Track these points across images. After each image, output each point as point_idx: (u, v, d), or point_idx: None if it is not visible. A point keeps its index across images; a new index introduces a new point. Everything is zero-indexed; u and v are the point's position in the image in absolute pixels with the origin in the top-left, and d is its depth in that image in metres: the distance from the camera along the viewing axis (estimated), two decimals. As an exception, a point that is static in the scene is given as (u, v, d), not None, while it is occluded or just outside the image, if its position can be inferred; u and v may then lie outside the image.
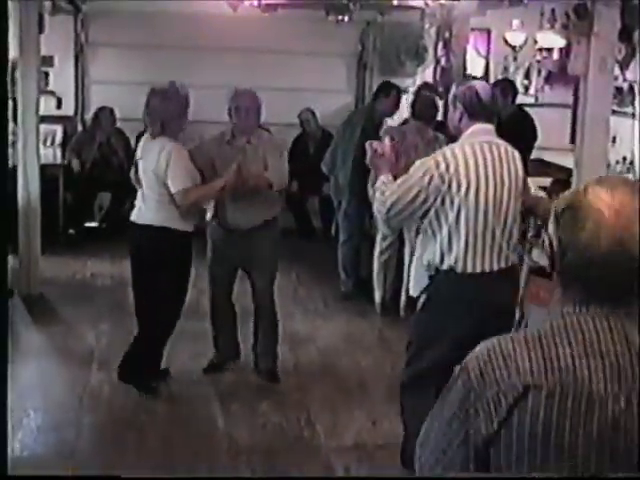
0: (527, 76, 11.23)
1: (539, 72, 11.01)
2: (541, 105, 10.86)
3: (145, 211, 6.37)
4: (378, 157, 5.03)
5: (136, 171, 6.41)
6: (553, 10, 9.88)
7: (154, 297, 6.40)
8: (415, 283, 5.25)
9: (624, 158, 9.13)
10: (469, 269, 4.82)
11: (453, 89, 5.12)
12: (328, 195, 9.66)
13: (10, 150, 8.79)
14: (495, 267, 4.87)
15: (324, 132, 10.95)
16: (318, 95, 11.02)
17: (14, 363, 6.96)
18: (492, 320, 4.62)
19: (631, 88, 9.26)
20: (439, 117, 9.61)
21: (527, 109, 9.53)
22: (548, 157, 9.80)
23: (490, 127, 5.01)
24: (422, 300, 5.05)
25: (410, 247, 6.99)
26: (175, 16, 10.84)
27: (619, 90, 8.94)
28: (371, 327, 8.25)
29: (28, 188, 8.68)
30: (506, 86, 9.27)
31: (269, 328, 6.98)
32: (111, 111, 10.93)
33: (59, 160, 10.89)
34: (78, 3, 11.06)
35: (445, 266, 4.85)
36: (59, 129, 11.18)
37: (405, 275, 8.52)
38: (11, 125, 8.99)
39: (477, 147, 4.85)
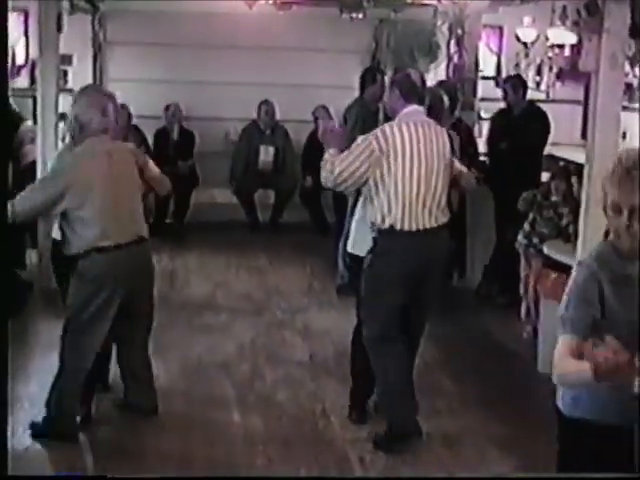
0: (539, 72, 11.30)
1: (550, 68, 11.08)
2: (552, 101, 10.94)
3: None
4: (329, 133, 5.83)
5: None
6: (564, 7, 9.95)
7: None
8: (354, 242, 6.12)
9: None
10: (406, 228, 5.62)
11: (389, 75, 5.81)
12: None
13: (29, 146, 8.93)
14: (427, 225, 5.68)
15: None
16: (332, 92, 11.08)
17: (35, 356, 7.09)
18: (425, 268, 5.73)
19: (641, 84, 9.35)
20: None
21: (539, 105, 9.60)
22: (560, 152, 9.86)
23: (421, 108, 5.84)
24: (368, 260, 5.75)
25: None
26: (191, 14, 10.94)
27: (629, 86, 9.02)
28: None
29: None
30: (516, 82, 9.34)
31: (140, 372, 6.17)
32: (127, 109, 11.01)
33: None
34: (96, 2, 11.16)
35: (386, 225, 5.63)
36: (77, 126, 11.26)
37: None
38: (30, 122, 9.14)
39: (411, 125, 5.65)
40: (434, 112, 8.35)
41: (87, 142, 5.56)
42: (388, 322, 5.77)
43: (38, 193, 5.54)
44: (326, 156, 5.71)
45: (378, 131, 5.64)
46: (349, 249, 6.23)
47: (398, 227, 5.62)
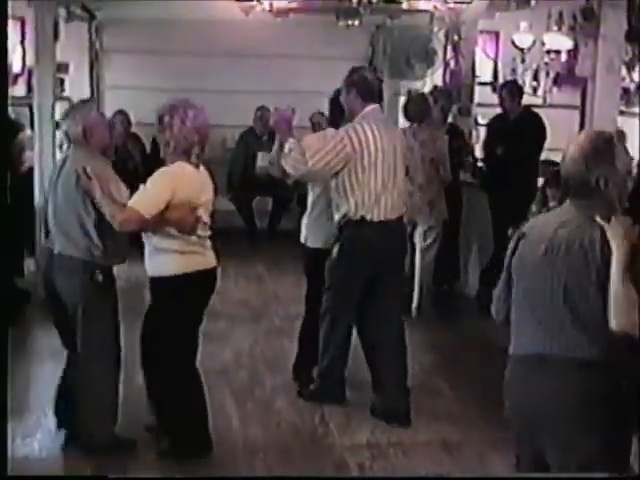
0: (535, 78, 11.29)
1: (547, 74, 11.06)
2: (549, 106, 10.94)
3: None
4: (281, 122, 6.24)
5: None
6: (560, 12, 9.93)
7: None
8: (309, 235, 6.57)
9: (631, 158, 9.16)
10: (376, 218, 6.10)
11: (346, 77, 6.23)
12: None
13: (28, 153, 8.94)
14: (393, 215, 6.19)
15: (335, 135, 11.04)
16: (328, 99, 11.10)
17: (32, 364, 7.09)
18: (391, 253, 6.27)
19: (638, 88, 9.34)
20: (450, 120, 9.73)
21: (535, 110, 9.60)
22: (557, 158, 9.86)
23: (379, 107, 6.26)
24: (336, 249, 6.19)
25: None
26: (188, 22, 10.94)
27: (626, 91, 9.02)
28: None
29: (45, 192, 8.77)
30: (512, 88, 9.35)
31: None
32: (126, 115, 11.02)
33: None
34: (92, 10, 11.17)
35: (358, 216, 6.07)
36: (74, 134, 11.26)
37: (417, 279, 8.63)
38: (28, 131, 9.14)
39: (374, 124, 6.08)
40: (418, 115, 8.50)
41: None
42: (351, 305, 6.32)
43: None
44: (290, 145, 6.09)
45: (350, 130, 6.06)
46: (308, 244, 6.61)
47: (369, 218, 6.09)
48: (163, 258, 5.40)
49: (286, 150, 6.11)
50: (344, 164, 6.01)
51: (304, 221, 6.67)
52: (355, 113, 6.15)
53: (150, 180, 5.36)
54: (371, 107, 6.14)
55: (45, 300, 5.71)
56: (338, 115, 6.43)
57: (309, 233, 6.61)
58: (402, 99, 11.30)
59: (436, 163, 8.43)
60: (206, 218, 5.45)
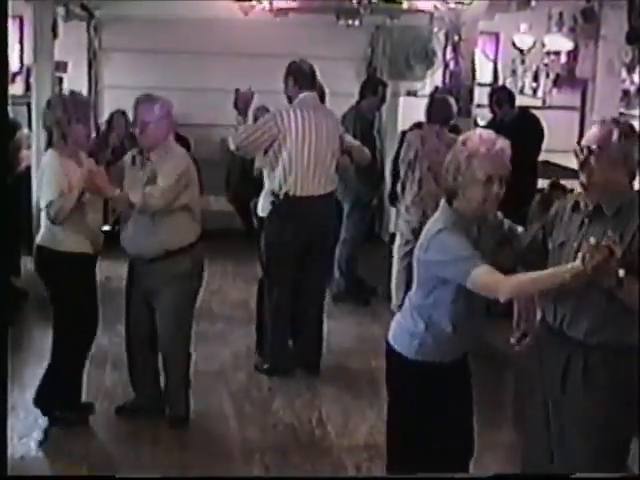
0: (535, 79, 11.28)
1: (547, 75, 11.05)
2: (549, 108, 10.93)
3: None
4: (241, 101, 6.87)
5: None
6: (561, 13, 9.92)
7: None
8: (262, 207, 7.06)
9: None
10: (299, 194, 6.72)
11: (286, 68, 7.03)
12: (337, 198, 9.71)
13: (25, 152, 8.91)
14: (318, 192, 6.81)
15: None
16: (328, 99, 11.07)
17: (30, 364, 7.05)
18: (317, 226, 6.85)
19: (638, 90, 9.33)
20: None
21: (535, 112, 9.57)
22: (556, 159, 9.85)
23: (314, 94, 6.97)
24: (267, 218, 6.86)
25: None
26: (187, 21, 10.91)
27: (626, 93, 9.00)
28: (382, 328, 8.31)
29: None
30: (499, 96, 9.35)
31: None
32: (124, 115, 10.98)
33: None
34: (91, 9, 11.14)
35: (283, 192, 6.72)
36: (72, 133, 11.23)
37: None
38: (25, 130, 9.11)
39: (304, 109, 6.78)
40: (442, 117, 8.38)
41: None
42: (283, 274, 6.91)
43: None
44: (235, 124, 6.83)
45: (277, 113, 6.79)
46: (259, 213, 7.15)
47: (291, 193, 6.71)
48: None
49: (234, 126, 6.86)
50: (270, 143, 6.70)
51: (261, 195, 7.18)
52: (293, 99, 6.90)
53: None
54: (305, 94, 6.85)
55: None
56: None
57: (262, 205, 7.11)
58: (401, 100, 11.32)
59: None
60: None
